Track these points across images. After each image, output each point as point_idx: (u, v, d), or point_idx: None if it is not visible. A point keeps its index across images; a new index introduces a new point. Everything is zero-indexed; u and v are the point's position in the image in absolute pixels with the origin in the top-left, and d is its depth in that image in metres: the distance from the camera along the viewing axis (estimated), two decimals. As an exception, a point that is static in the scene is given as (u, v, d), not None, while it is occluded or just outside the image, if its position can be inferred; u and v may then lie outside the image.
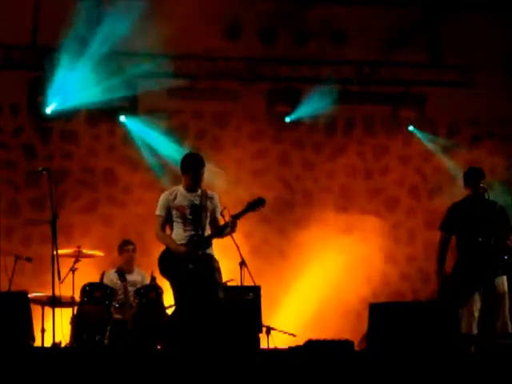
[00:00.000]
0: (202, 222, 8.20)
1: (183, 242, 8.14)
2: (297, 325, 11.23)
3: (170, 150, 11.92)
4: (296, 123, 12.55)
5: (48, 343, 9.11)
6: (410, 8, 12.13)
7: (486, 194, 8.86)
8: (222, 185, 11.07)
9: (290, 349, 8.18)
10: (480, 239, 8.65)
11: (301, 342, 8.36)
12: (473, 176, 8.93)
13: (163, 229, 8.27)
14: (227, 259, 8.92)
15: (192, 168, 8.24)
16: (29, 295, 8.94)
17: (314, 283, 12.05)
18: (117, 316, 9.91)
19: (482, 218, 8.78)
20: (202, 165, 8.28)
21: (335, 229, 12.02)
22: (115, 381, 6.94)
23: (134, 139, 12.16)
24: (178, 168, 8.43)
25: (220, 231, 8.26)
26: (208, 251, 8.19)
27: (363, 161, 12.79)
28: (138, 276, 10.52)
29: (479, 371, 7.21)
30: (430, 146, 12.88)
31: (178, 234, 8.20)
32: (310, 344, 7.98)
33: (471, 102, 12.22)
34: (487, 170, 9.66)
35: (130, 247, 10.64)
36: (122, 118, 12.18)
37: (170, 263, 8.14)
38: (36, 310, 9.50)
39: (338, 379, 7.13)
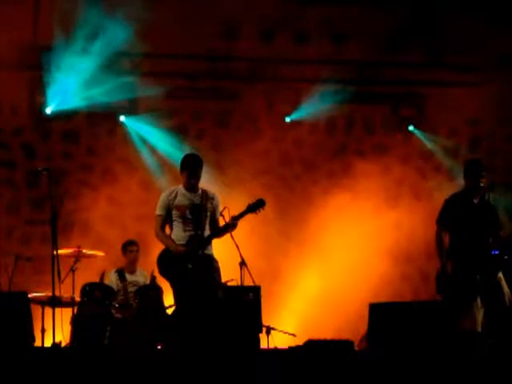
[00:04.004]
0: (202, 221, 8.19)
1: (183, 241, 8.13)
2: (297, 325, 11.24)
3: (170, 150, 11.93)
4: (296, 123, 12.56)
5: (48, 343, 9.10)
6: (409, 8, 12.14)
7: (486, 194, 8.75)
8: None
9: (290, 349, 8.19)
10: (477, 241, 8.52)
11: (301, 342, 8.37)
12: (471, 167, 8.71)
13: (163, 228, 8.26)
14: (227, 259, 8.91)
15: (189, 168, 8.24)
16: (29, 295, 8.95)
17: (314, 283, 12.05)
18: (117, 316, 9.92)
19: (478, 215, 8.63)
20: (198, 165, 8.28)
21: (335, 228, 12.02)
22: (115, 381, 6.94)
23: (134, 139, 12.17)
24: (177, 168, 8.42)
25: (220, 232, 8.26)
26: (208, 251, 8.18)
27: (363, 160, 12.77)
28: (140, 276, 10.52)
29: (480, 371, 7.20)
30: (430, 145, 12.89)
31: (178, 233, 8.19)
32: (310, 344, 7.99)
33: (471, 102, 12.22)
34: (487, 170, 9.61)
35: (134, 248, 10.65)
36: (122, 118, 12.19)
37: (169, 263, 8.13)
38: (36, 310, 9.49)
39: (338, 379, 7.13)
